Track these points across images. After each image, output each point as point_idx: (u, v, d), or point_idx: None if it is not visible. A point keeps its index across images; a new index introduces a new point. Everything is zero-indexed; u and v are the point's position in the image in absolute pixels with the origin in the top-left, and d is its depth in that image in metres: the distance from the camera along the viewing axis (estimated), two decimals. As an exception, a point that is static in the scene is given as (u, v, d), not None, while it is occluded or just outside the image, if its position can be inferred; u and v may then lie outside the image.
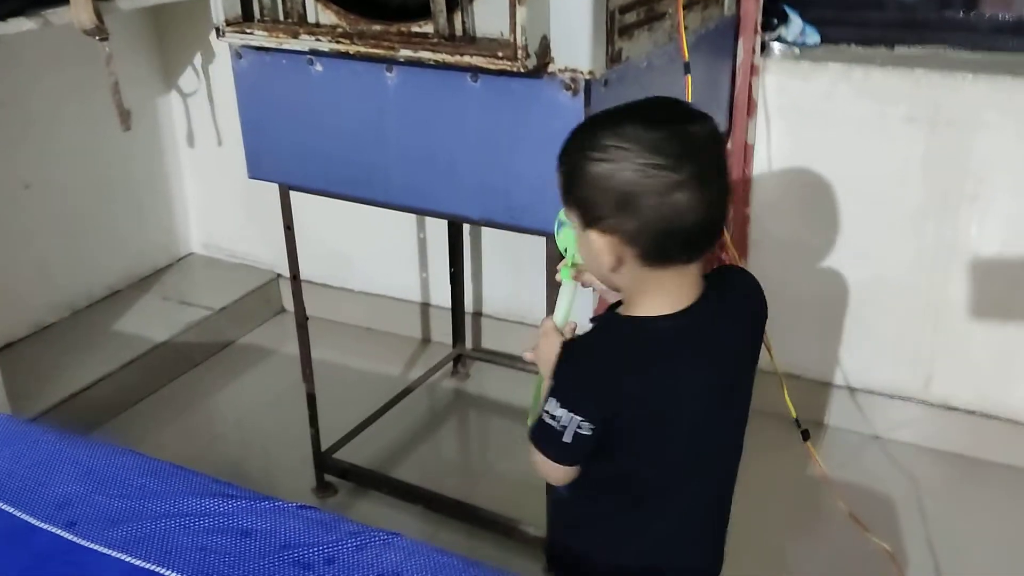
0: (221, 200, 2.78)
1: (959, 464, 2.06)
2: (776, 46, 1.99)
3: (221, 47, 2.55)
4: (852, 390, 2.15)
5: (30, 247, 2.38)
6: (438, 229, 2.41)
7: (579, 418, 0.99)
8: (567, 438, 1.00)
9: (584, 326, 1.10)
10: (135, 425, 2.26)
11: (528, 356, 1.15)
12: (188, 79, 2.64)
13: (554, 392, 1.02)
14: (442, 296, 2.53)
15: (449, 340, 2.49)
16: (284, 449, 2.16)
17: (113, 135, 2.23)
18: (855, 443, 2.14)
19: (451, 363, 2.45)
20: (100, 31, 1.98)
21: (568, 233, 1.12)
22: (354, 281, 2.70)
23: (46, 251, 2.42)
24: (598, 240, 0.97)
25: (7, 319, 2.34)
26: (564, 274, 1.16)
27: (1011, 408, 2.02)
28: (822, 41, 2.04)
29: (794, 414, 1.64)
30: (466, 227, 2.36)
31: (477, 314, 2.54)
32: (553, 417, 1.01)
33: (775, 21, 2.00)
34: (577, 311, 1.15)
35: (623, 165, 0.92)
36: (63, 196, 2.43)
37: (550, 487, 1.17)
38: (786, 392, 1.67)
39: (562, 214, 1.08)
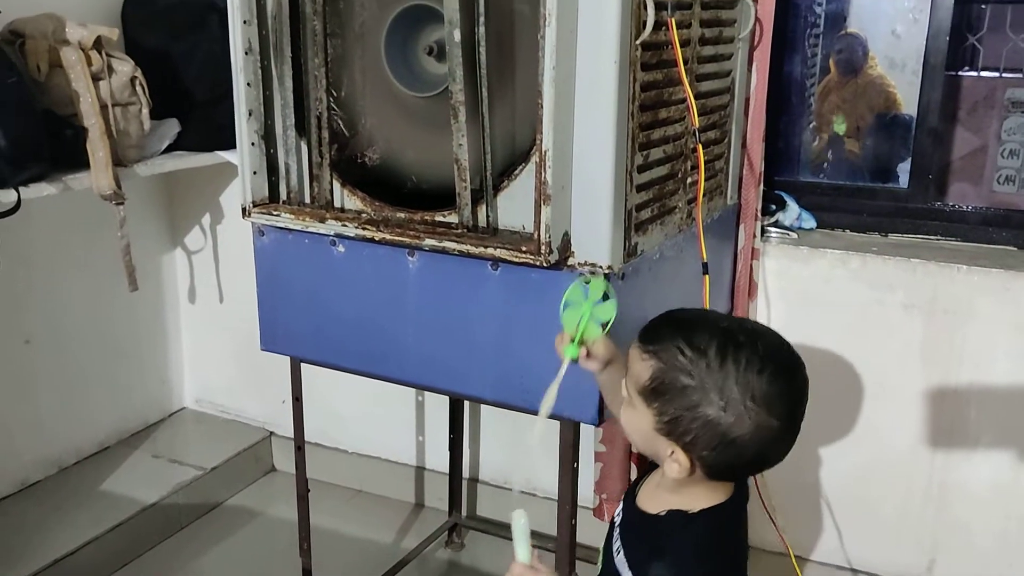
0: (216, 356, 2.77)
1: (967, 654, 2.02)
2: (773, 231, 2.07)
3: (229, 207, 2.61)
4: (855, 572, 2.11)
5: (25, 402, 2.34)
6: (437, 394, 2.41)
7: None
8: None
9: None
10: (118, 593, 2.18)
11: None
12: (195, 237, 2.68)
13: None
14: (436, 460, 2.51)
15: (442, 505, 2.45)
16: (272, 624, 2.08)
17: (115, 290, 2.24)
18: (860, 628, 2.09)
19: (446, 532, 2.40)
20: (117, 196, 2.03)
21: (574, 313, 1.18)
22: (348, 442, 2.67)
23: (40, 406, 2.38)
24: (678, 454, 1.01)
25: (-6, 476, 2.29)
26: (571, 352, 1.17)
27: (1016, 595, 2.00)
28: (818, 226, 2.12)
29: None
30: (466, 393, 2.36)
31: (473, 480, 2.51)
32: None
33: (773, 207, 2.09)
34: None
35: (743, 423, 0.97)
36: (61, 351, 2.42)
37: None
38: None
39: (570, 294, 1.16)
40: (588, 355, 1.20)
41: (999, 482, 1.96)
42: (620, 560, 1.12)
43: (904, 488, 2.03)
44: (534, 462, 2.38)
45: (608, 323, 1.19)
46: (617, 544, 1.14)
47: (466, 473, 2.47)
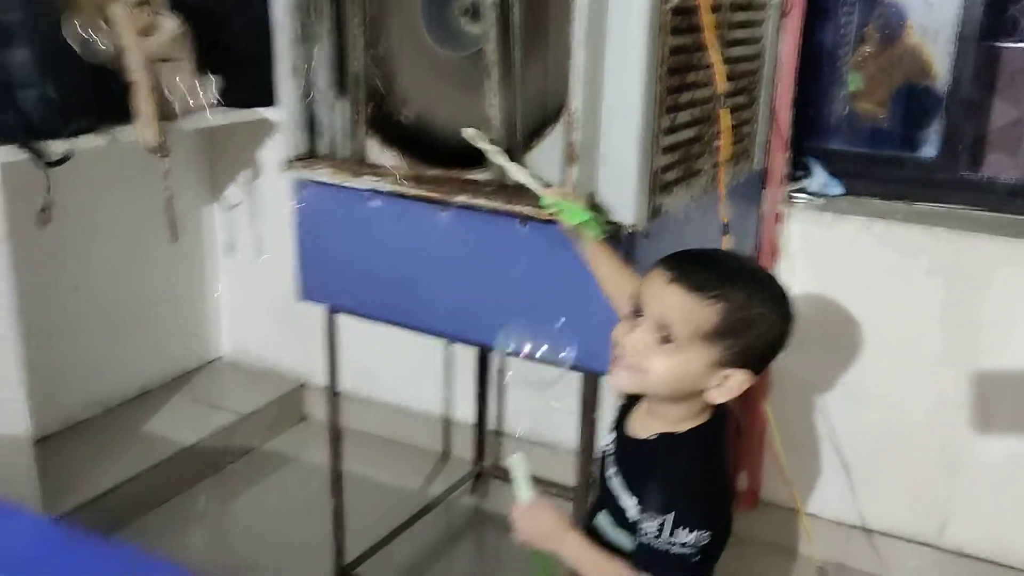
0: (253, 307, 2.86)
1: (974, 613, 2.07)
2: (800, 197, 2.09)
3: (267, 163, 2.68)
4: (868, 531, 2.17)
5: (73, 345, 2.45)
6: (465, 346, 2.48)
7: (708, 532, 1.07)
8: (697, 557, 1.07)
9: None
10: (158, 527, 2.28)
11: (522, 538, 1.19)
12: (234, 192, 2.76)
13: (681, 520, 1.07)
14: (464, 412, 2.58)
15: (468, 455, 2.53)
16: (302, 562, 2.18)
17: (157, 242, 2.32)
18: (871, 585, 2.15)
19: (471, 480, 2.48)
20: (162, 149, 2.11)
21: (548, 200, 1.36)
22: (378, 391, 2.75)
23: (87, 349, 2.49)
24: (739, 375, 1.11)
25: (45, 414, 2.38)
26: (544, 202, 1.36)
27: (1026, 558, 2.04)
28: (845, 193, 2.14)
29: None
30: (494, 348, 2.42)
31: (498, 432, 2.59)
32: (684, 545, 1.06)
33: (799, 173, 2.11)
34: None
35: (789, 332, 1.13)
36: (107, 298, 2.52)
37: None
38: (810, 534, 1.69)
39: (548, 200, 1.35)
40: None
41: (1014, 450, 1.99)
42: (617, 483, 1.21)
43: (920, 450, 2.07)
44: (556, 415, 2.45)
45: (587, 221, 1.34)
46: (612, 470, 1.23)
47: (492, 424, 2.55)
